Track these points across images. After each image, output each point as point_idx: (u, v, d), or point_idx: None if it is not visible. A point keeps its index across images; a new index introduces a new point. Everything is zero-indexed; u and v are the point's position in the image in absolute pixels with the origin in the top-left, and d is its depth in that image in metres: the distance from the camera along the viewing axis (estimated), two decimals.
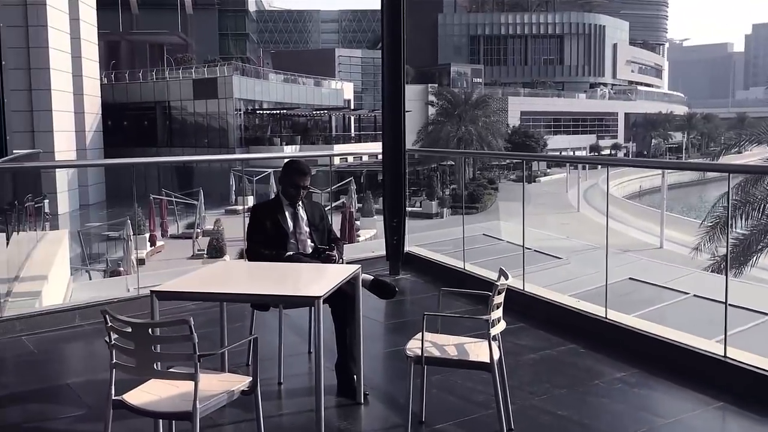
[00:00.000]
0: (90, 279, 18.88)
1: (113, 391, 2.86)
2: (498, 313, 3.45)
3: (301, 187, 4.54)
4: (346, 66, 64.50)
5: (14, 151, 7.19)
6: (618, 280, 8.05)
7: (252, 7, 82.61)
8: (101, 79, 44.84)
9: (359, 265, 4.08)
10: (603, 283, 5.37)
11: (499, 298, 3.43)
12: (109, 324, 2.85)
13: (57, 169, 34.09)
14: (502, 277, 3.48)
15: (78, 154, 38.32)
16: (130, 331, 2.82)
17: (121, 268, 17.52)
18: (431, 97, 54.24)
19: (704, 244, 15.17)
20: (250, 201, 35.35)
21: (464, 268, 6.78)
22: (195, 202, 27.45)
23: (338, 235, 5.29)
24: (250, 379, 3.01)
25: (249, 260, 4.48)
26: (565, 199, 45.94)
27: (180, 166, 40.60)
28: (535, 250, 9.68)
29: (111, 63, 50.45)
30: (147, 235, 24.85)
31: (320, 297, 3.38)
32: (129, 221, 20.10)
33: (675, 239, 30.21)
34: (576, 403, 4.07)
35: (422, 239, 9.22)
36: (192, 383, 2.74)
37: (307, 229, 4.59)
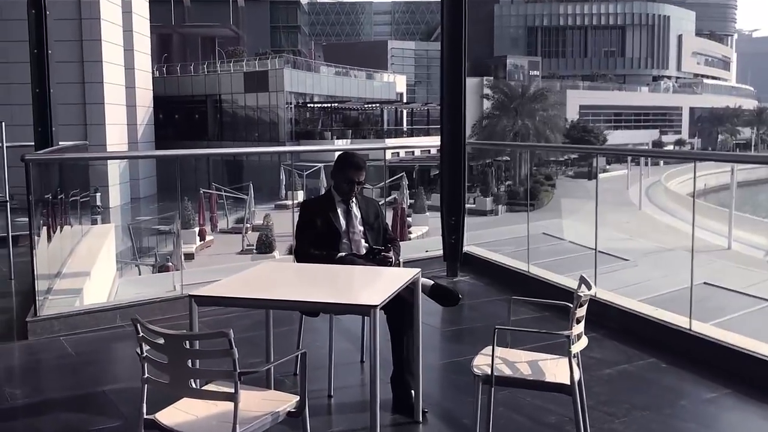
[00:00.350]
0: (140, 274, 18.39)
1: (145, 408, 2.59)
2: (579, 328, 3.08)
3: (355, 183, 4.16)
4: (398, 58, 63.60)
5: (60, 143, 6.82)
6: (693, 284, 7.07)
7: None
8: (153, 72, 44.82)
9: (419, 269, 3.67)
10: (674, 287, 5.33)
11: (581, 311, 3.04)
12: (141, 334, 2.57)
13: (108, 162, 34.15)
14: (583, 286, 3.09)
15: (130, 147, 38.27)
16: (162, 343, 2.53)
17: (170, 263, 16.94)
18: (486, 90, 52.94)
19: None
20: (300, 196, 34.94)
21: (528, 271, 6.30)
22: (245, 197, 26.89)
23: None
24: (298, 398, 2.74)
25: (298, 261, 4.15)
26: (625, 197, 44.35)
27: (230, 159, 40.28)
28: (599, 251, 8.80)
29: (163, 56, 50.51)
30: (196, 230, 24.43)
31: (377, 306, 3.00)
32: (178, 216, 19.71)
33: (744, 240, 28.60)
34: (661, 427, 3.63)
35: (478, 238, 8.86)
36: (232, 403, 2.46)
37: (361, 228, 4.23)
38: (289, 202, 33.44)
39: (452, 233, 6.63)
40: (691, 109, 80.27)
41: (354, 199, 4.20)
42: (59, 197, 6.90)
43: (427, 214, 29.83)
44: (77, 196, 8.21)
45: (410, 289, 3.55)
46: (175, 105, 46.76)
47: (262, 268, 4.25)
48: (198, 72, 47.65)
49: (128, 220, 32.26)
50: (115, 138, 36.77)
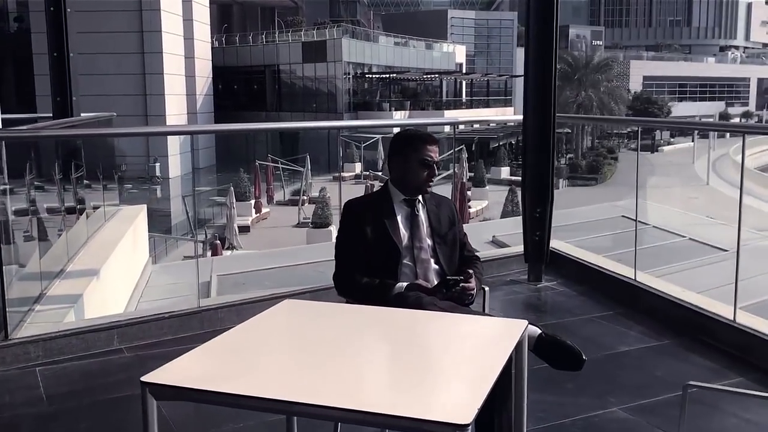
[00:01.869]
0: (195, 253, 18.25)
1: None
2: None
3: (433, 165, 2.89)
4: (458, 28, 62.21)
5: (82, 114, 6.16)
6: None
7: None
8: (212, 43, 44.83)
9: (525, 321, 2.21)
10: None
11: None
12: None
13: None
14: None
15: (189, 118, 38.48)
16: None
17: (217, 242, 16.80)
18: None
19: None
20: (358, 168, 34.70)
21: (635, 279, 4.93)
22: (301, 169, 26.66)
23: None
24: None
25: (339, 291, 2.93)
26: (691, 171, 42.88)
27: (288, 132, 40.13)
28: (690, 239, 8.13)
29: (223, 26, 50.50)
30: (252, 202, 24.31)
31: (467, 426, 1.57)
32: (232, 188, 19.59)
33: None
34: None
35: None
36: None
37: (431, 243, 2.92)
38: (347, 174, 33.43)
39: (536, 228, 5.37)
40: (760, 81, 77.15)
41: (421, 199, 2.95)
42: (74, 176, 6.06)
43: (487, 188, 29.20)
44: (101, 174, 7.23)
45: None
46: (234, 75, 46.72)
47: (273, 316, 2.31)
48: (257, 42, 47.47)
49: (187, 192, 32.55)
50: (174, 108, 36.97)
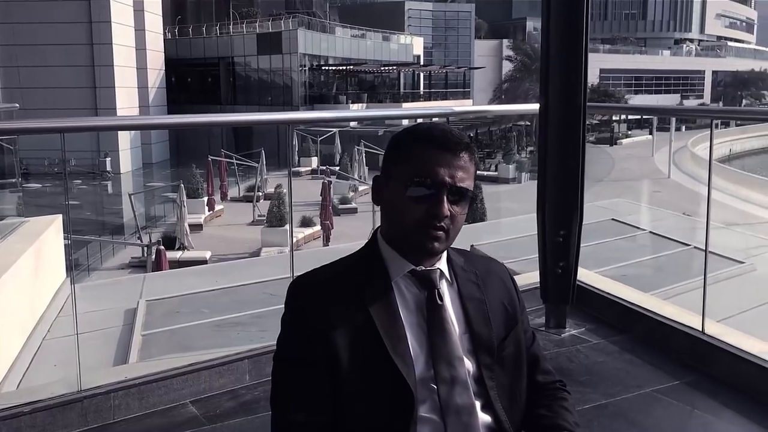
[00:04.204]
0: (143, 254, 17.51)
1: None
2: None
3: (436, 196, 1.47)
4: (415, 20, 61.73)
5: None
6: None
7: None
8: (165, 34, 43.77)
9: None
10: None
11: None
12: None
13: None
14: None
15: (141, 111, 37.58)
16: None
17: (161, 248, 16.04)
18: (508, 52, 51.52)
19: None
20: (314, 162, 34.03)
21: (704, 332, 3.48)
22: (256, 164, 25.96)
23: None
24: None
25: None
26: (652, 164, 43.03)
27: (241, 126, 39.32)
28: (695, 248, 7.38)
29: (176, 18, 49.41)
30: (205, 199, 23.56)
31: None
32: (182, 185, 18.78)
33: None
34: None
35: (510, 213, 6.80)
36: None
37: (473, 366, 1.53)
38: (303, 169, 32.78)
39: (559, 257, 3.77)
40: (714, 73, 78.37)
41: (445, 270, 1.58)
42: None
43: None
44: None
45: None
46: (187, 68, 45.74)
47: None
48: (211, 34, 46.50)
49: (138, 188, 31.66)
50: (125, 102, 35.99)
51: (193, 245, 18.55)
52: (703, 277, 3.57)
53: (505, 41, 58.62)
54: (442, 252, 1.54)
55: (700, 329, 3.48)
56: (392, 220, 1.53)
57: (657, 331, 3.70)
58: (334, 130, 32.40)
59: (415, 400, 1.42)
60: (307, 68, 43.37)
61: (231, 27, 47.02)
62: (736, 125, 46.25)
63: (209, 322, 4.78)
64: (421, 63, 52.47)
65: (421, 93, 49.60)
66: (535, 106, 3.89)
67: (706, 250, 3.68)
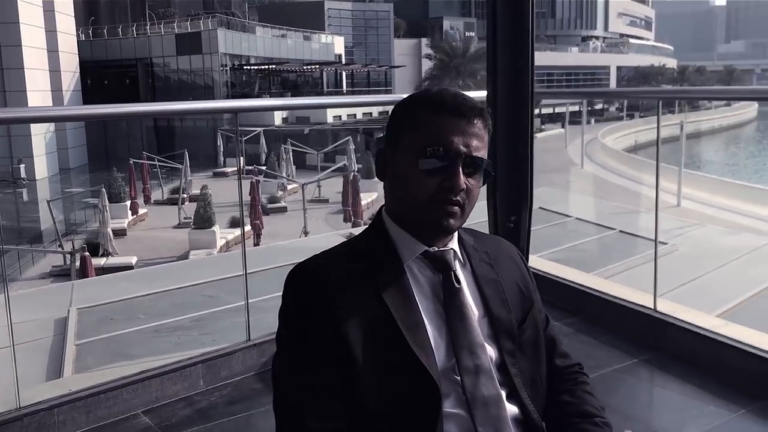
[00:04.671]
0: (65, 262, 16.88)
1: None
2: None
3: (452, 168, 1.33)
4: (336, 19, 61.64)
5: None
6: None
7: None
8: (78, 36, 42.37)
9: None
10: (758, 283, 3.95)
11: None
12: None
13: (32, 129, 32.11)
14: None
15: None
16: None
17: (86, 254, 15.53)
18: (427, 50, 52.02)
19: None
20: (240, 162, 33.40)
21: (656, 309, 3.59)
22: (179, 166, 25.40)
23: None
24: None
25: None
26: (565, 156, 44.13)
27: (163, 126, 38.49)
28: (621, 231, 7.71)
29: (90, 19, 47.89)
30: (128, 203, 22.92)
31: None
32: (104, 189, 18.25)
33: (691, 196, 28.54)
34: None
35: None
36: None
37: (495, 352, 1.39)
38: (230, 170, 32.25)
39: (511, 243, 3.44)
40: (618, 68, 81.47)
41: (458, 250, 1.44)
42: None
43: (375, 179, 28.79)
44: None
45: None
46: (104, 70, 44.41)
47: None
48: (127, 35, 45.30)
49: (56, 194, 30.53)
50: (39, 105, 34.63)
51: (117, 251, 18.04)
52: (653, 260, 3.69)
53: (424, 40, 59.21)
54: (457, 229, 1.40)
55: (653, 307, 3.58)
56: (401, 197, 1.39)
57: (610, 312, 3.81)
58: (259, 129, 32.04)
59: (440, 396, 1.28)
60: (228, 68, 42.80)
61: (148, 27, 45.94)
62: (678, 107, 47.73)
63: (147, 327, 4.58)
64: (343, 62, 52.47)
65: (345, 91, 49.62)
66: (482, 93, 3.87)
67: (656, 236, 3.80)
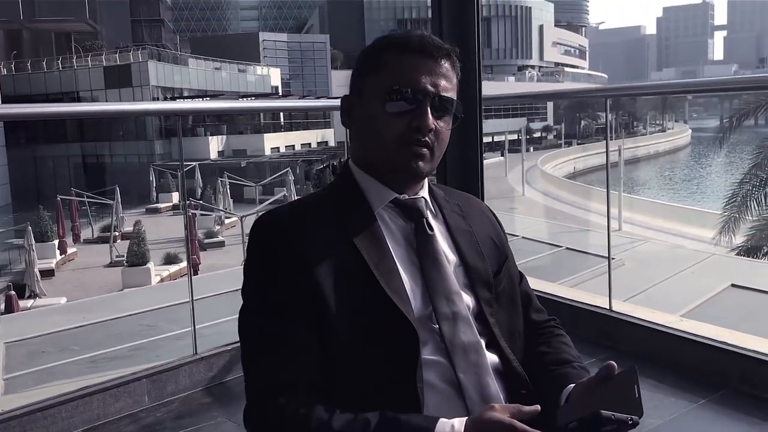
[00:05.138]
0: None
1: None
2: None
3: (420, 107, 1.29)
4: (271, 51, 61.39)
5: None
6: (721, 289, 5.92)
7: None
8: (0, 70, 40.86)
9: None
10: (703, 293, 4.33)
11: None
12: None
13: None
14: None
15: None
16: None
17: (12, 293, 14.56)
18: None
19: (730, 228, 13.40)
20: (175, 197, 32.58)
21: (611, 309, 3.70)
22: (110, 202, 24.34)
23: None
24: None
25: None
26: (506, 183, 44.69)
27: (92, 162, 37.22)
28: (568, 248, 7.68)
29: (12, 53, 46.32)
30: (56, 242, 21.75)
31: None
32: (30, 228, 17.24)
33: (631, 220, 28.99)
34: None
35: None
36: None
37: (473, 301, 1.35)
38: (163, 205, 31.27)
39: None
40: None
41: (428, 198, 1.41)
42: None
43: None
44: None
45: None
46: None
47: None
48: (52, 68, 43.86)
49: None
50: None
51: (45, 292, 16.98)
52: (607, 267, 3.83)
53: None
54: (428, 174, 1.36)
55: (608, 307, 3.69)
56: (368, 142, 1.35)
57: (565, 314, 3.66)
58: (195, 163, 31.24)
59: (419, 339, 1.24)
60: (160, 101, 41.80)
61: (74, 60, 44.55)
62: (615, 133, 48.87)
63: (82, 358, 4.28)
64: (280, 94, 52.07)
65: (282, 124, 49.08)
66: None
67: (609, 245, 3.94)
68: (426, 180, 1.40)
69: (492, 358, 1.31)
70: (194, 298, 3.38)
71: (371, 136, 1.33)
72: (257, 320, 1.25)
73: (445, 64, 1.34)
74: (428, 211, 1.38)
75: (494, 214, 1.54)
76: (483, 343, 1.30)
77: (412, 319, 1.24)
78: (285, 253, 1.25)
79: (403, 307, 1.24)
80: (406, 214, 1.35)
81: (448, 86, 1.33)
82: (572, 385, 1.29)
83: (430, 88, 1.30)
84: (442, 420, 1.15)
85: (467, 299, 1.33)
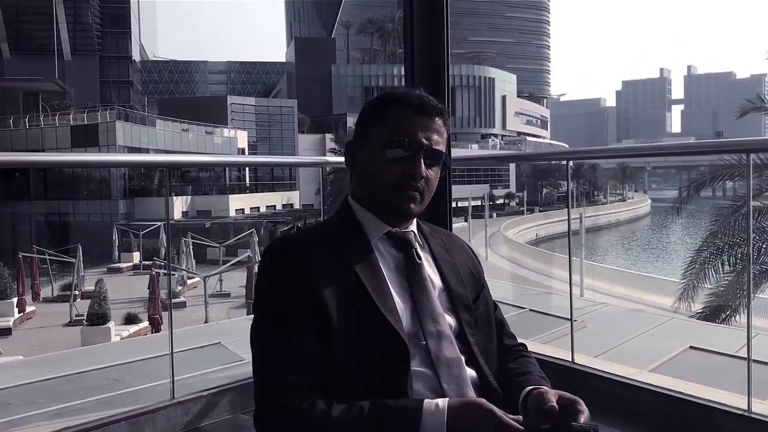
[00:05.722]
0: None
1: None
2: None
3: (413, 157, 1.52)
4: (239, 114, 61.77)
5: None
6: (679, 351, 6.07)
7: (136, 56, 79.06)
8: None
9: None
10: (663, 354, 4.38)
11: None
12: None
13: None
14: None
15: None
16: None
17: None
18: (332, 145, 52.69)
19: (690, 291, 13.68)
20: (136, 257, 32.18)
21: (573, 361, 3.79)
22: (72, 260, 23.98)
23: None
24: None
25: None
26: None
27: (55, 220, 36.70)
28: (531, 310, 7.79)
29: None
30: (15, 300, 21.30)
31: None
32: None
33: (593, 287, 29.31)
34: None
35: None
36: None
37: (454, 321, 1.54)
38: (124, 265, 30.88)
39: None
40: (517, 165, 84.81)
41: (417, 232, 1.63)
42: None
43: None
44: None
45: None
46: None
47: None
48: (18, 126, 43.58)
49: None
50: None
51: (1, 351, 16.51)
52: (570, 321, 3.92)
53: (329, 135, 59.97)
54: (418, 214, 1.58)
55: (571, 360, 3.78)
56: (368, 182, 1.57)
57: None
58: (159, 223, 31.02)
59: (409, 352, 1.42)
60: (147, 153, 41.67)
61: (42, 119, 44.35)
62: (577, 202, 49.62)
63: (49, 411, 4.15)
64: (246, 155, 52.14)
65: (248, 185, 49.11)
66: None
67: (570, 301, 4.08)
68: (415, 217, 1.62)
69: (471, 372, 1.50)
70: (174, 350, 3.43)
71: (371, 178, 1.55)
72: (268, 329, 1.44)
73: (438, 121, 1.57)
74: (417, 243, 1.59)
75: (473, 250, 1.76)
76: (463, 359, 1.49)
77: (404, 334, 1.43)
78: (295, 272, 1.44)
79: (395, 324, 1.43)
80: (398, 245, 1.56)
81: (440, 140, 1.56)
82: (530, 387, 1.47)
83: (424, 141, 1.53)
84: (428, 400, 1.31)
85: (450, 320, 1.53)
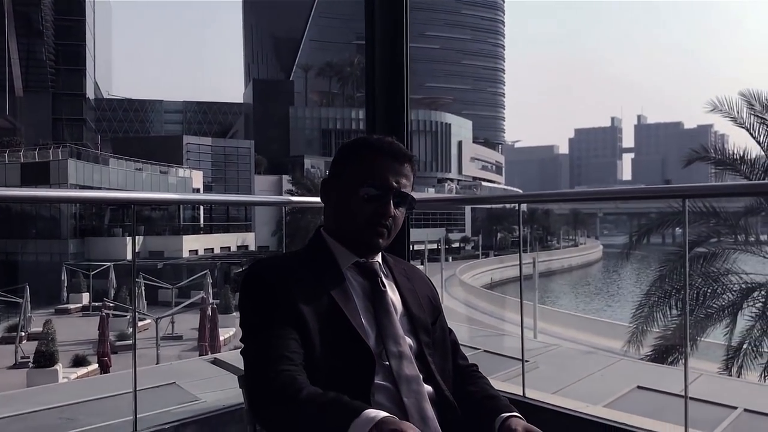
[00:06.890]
0: None
1: None
2: None
3: (384, 197, 1.72)
4: (194, 154, 61.36)
5: None
6: (626, 390, 6.14)
7: (91, 94, 78.30)
8: None
9: None
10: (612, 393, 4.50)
11: None
12: None
13: None
14: None
15: None
16: None
17: None
18: (289, 186, 52.61)
19: (638, 335, 13.91)
20: (85, 298, 31.50)
21: (524, 396, 3.83)
22: (19, 300, 23.36)
23: None
24: None
25: (259, 405, 1.51)
26: None
27: (2, 260, 35.77)
28: (485, 351, 7.87)
29: None
30: None
31: None
32: None
33: (546, 330, 29.58)
34: None
35: None
36: None
37: (414, 343, 1.71)
38: (73, 306, 30.17)
39: None
40: (473, 210, 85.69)
41: (381, 263, 1.80)
42: None
43: (235, 314, 27.91)
44: None
45: None
46: None
47: None
48: None
49: None
50: None
51: None
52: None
53: (285, 176, 59.89)
54: (384, 248, 1.78)
55: (522, 394, 3.82)
56: (342, 217, 1.76)
57: None
58: (109, 264, 30.48)
59: (375, 364, 1.59)
60: (115, 190, 40.99)
61: None
62: (530, 246, 50.00)
63: None
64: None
65: (202, 226, 48.64)
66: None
67: (522, 341, 4.20)
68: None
69: (428, 388, 1.67)
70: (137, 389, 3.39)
71: (345, 214, 1.74)
72: (254, 336, 1.59)
73: (407, 167, 1.77)
74: (382, 273, 1.77)
75: (430, 281, 1.96)
76: (422, 377, 1.66)
77: (371, 345, 1.62)
78: (276, 288, 1.61)
79: (364, 336, 1.62)
80: (365, 274, 1.75)
81: (407, 183, 1.77)
82: (504, 414, 1.68)
83: (394, 184, 1.73)
84: (370, 409, 1.38)
85: (410, 341, 1.70)
